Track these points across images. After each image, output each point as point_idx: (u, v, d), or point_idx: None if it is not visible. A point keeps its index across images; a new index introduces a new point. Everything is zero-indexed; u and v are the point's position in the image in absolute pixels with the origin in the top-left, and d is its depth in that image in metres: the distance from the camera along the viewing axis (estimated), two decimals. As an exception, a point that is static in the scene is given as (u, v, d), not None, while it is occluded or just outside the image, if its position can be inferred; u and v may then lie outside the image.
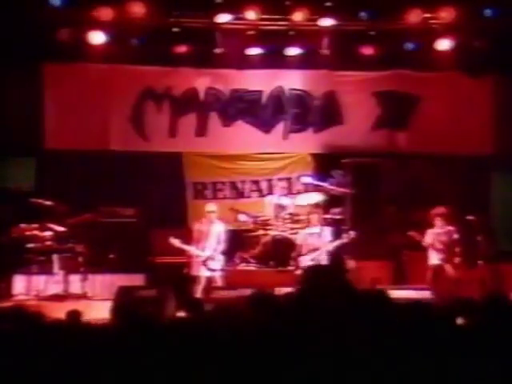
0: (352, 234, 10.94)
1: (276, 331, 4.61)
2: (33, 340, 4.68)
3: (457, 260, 10.60)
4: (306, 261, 10.66)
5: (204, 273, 10.62)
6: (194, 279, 10.65)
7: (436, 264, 10.65)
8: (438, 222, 10.71)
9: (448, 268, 10.54)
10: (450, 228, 10.71)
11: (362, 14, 12.51)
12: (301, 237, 11.05)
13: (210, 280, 10.56)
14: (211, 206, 11.18)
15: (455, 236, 10.66)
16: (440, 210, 10.76)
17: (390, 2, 12.45)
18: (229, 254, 11.30)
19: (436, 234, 10.70)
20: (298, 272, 10.46)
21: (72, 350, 4.55)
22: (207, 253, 10.67)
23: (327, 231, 11.06)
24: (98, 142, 13.01)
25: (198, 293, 10.30)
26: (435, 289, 10.33)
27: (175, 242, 10.62)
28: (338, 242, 10.90)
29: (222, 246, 10.81)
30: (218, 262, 10.72)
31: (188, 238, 10.90)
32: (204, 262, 10.62)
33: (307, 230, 11.05)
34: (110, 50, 12.62)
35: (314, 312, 5.01)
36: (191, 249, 10.70)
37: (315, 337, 4.49)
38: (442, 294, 9.96)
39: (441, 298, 9.53)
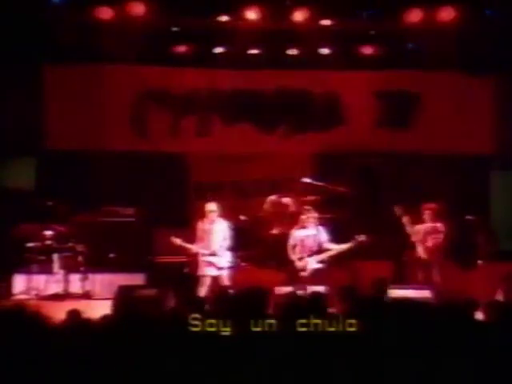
0: (362, 237, 10.71)
1: None
2: (33, 340, 4.68)
3: (443, 258, 10.46)
4: (312, 263, 10.57)
5: (210, 272, 10.51)
6: (197, 279, 10.54)
7: (425, 262, 10.49)
8: (427, 216, 10.56)
9: (435, 266, 10.40)
10: (439, 225, 10.55)
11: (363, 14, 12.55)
12: (298, 237, 10.95)
13: (216, 279, 10.44)
14: (211, 206, 11.04)
15: (442, 234, 10.49)
16: (430, 205, 10.66)
17: (390, 1, 12.45)
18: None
19: (425, 232, 10.55)
20: (304, 273, 10.41)
21: (72, 350, 4.56)
22: (211, 250, 10.52)
23: (324, 232, 10.94)
24: (98, 142, 13.02)
25: (203, 293, 10.20)
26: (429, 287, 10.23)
27: (176, 240, 10.53)
28: (347, 245, 10.68)
29: (227, 242, 10.65)
30: (225, 259, 10.59)
31: (191, 237, 10.80)
32: (210, 260, 10.50)
33: (304, 231, 10.92)
34: (110, 50, 12.63)
35: None
36: (193, 247, 10.61)
37: None
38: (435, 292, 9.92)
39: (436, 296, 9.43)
